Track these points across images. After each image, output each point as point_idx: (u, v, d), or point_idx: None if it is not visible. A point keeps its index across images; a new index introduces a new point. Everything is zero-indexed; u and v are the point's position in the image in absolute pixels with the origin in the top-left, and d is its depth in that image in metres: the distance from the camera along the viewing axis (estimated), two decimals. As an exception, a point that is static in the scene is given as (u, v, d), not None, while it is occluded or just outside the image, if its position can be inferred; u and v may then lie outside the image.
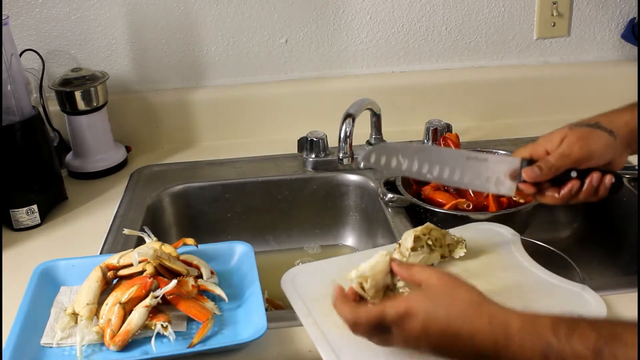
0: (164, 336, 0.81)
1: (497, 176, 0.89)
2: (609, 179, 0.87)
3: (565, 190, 0.87)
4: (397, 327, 0.71)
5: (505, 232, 1.00)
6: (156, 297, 0.83)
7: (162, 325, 0.81)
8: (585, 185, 0.87)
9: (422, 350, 0.71)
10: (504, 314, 0.68)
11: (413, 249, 0.90)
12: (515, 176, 0.89)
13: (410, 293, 0.77)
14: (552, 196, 0.88)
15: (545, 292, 0.87)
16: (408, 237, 0.91)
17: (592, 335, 0.63)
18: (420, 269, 0.76)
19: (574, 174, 0.87)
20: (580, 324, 0.65)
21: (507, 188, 0.89)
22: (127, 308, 0.83)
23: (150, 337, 0.81)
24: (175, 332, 0.82)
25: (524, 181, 0.88)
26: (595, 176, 0.87)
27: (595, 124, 0.89)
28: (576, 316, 0.67)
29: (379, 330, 0.72)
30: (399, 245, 0.92)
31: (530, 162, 0.88)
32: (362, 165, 0.93)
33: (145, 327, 0.82)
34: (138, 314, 0.81)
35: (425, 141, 1.32)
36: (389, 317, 0.70)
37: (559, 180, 0.88)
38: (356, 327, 0.73)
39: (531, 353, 0.65)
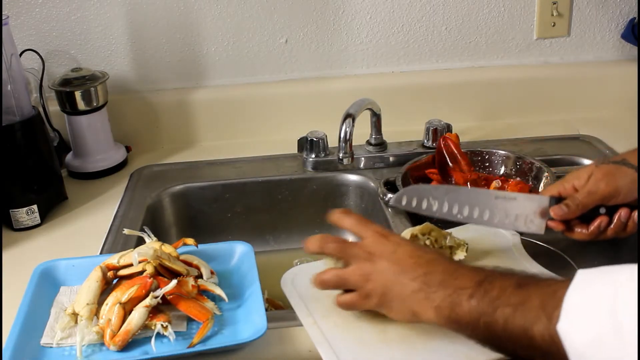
0: (164, 336, 0.81)
1: (526, 214, 0.90)
2: (638, 215, 0.88)
3: (593, 227, 0.89)
4: (355, 258, 0.78)
5: (505, 232, 1.00)
6: (156, 297, 0.83)
7: (162, 325, 0.81)
8: (614, 221, 0.88)
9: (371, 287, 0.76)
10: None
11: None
12: (545, 214, 0.89)
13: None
14: (581, 232, 0.90)
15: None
16: (405, 236, 0.91)
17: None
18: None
19: (602, 210, 0.88)
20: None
21: (537, 226, 0.90)
22: (127, 308, 0.83)
23: (150, 337, 0.81)
24: (175, 332, 0.82)
25: (553, 219, 0.89)
26: (623, 212, 0.88)
27: (621, 160, 0.90)
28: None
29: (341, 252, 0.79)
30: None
31: (558, 200, 0.89)
32: (393, 205, 0.96)
33: (145, 327, 0.82)
34: (138, 314, 0.81)
35: (425, 141, 1.32)
36: (351, 249, 0.79)
37: (588, 216, 0.88)
38: (325, 241, 0.81)
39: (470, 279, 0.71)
